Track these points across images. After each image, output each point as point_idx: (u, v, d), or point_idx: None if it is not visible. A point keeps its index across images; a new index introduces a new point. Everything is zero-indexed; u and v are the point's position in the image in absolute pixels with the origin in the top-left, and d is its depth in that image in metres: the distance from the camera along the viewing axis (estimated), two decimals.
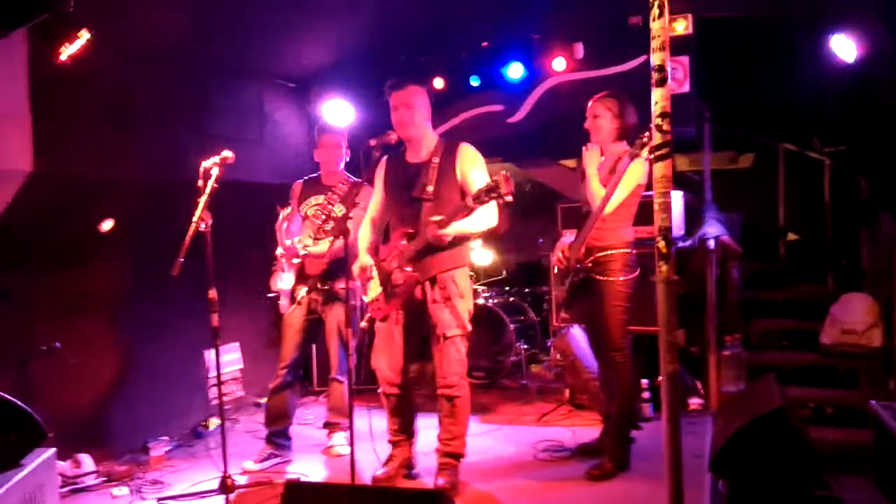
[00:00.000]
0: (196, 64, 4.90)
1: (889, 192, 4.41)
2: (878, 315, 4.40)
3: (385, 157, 3.76)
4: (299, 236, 4.20)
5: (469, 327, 3.62)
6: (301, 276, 4.22)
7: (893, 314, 4.30)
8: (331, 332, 4.24)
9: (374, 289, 3.67)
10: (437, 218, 3.35)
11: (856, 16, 4.26)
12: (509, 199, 3.15)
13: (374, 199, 3.84)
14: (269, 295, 4.43)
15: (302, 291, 4.20)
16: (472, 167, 3.57)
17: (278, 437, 4.23)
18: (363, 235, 3.80)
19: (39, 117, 3.76)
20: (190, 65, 4.85)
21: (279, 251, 4.22)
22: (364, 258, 3.70)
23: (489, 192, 3.14)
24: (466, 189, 3.53)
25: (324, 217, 4.22)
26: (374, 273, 3.66)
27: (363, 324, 3.87)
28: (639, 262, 3.78)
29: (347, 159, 4.40)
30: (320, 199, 4.30)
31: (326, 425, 4.43)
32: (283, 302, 4.25)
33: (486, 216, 3.44)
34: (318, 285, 4.20)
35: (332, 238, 4.02)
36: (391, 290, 3.57)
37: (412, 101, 3.55)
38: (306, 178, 4.43)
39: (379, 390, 3.76)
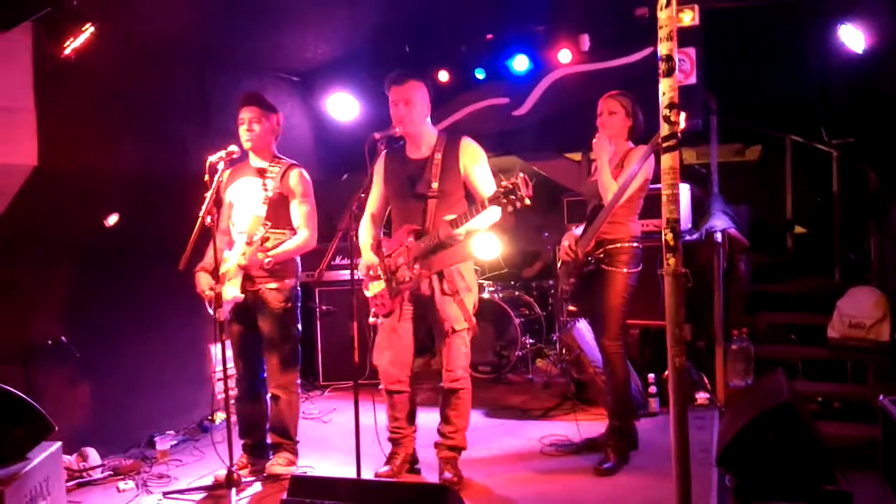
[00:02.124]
0: (200, 58, 4.90)
1: None
2: (886, 309, 4.37)
3: (384, 152, 3.72)
4: (244, 233, 3.64)
5: (474, 321, 3.62)
6: (246, 280, 3.67)
7: None
8: (268, 341, 3.77)
9: (376, 285, 3.63)
10: (450, 217, 3.38)
11: (863, 5, 4.22)
12: (528, 202, 3.12)
13: (373, 194, 3.75)
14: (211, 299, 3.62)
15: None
16: (476, 163, 3.57)
17: (254, 448, 3.93)
18: (364, 232, 3.73)
19: (44, 111, 3.76)
20: (194, 59, 4.85)
21: (226, 255, 3.69)
22: (368, 256, 3.66)
23: (507, 194, 3.12)
24: (470, 185, 3.55)
25: (264, 206, 3.64)
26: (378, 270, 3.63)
27: (372, 319, 3.66)
28: (644, 258, 3.78)
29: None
30: (251, 183, 3.75)
31: (271, 447, 3.88)
32: (226, 315, 3.53)
33: (494, 213, 3.42)
34: (250, 288, 3.68)
35: (275, 233, 3.61)
36: (396, 287, 3.53)
37: (411, 97, 3.51)
38: (231, 159, 3.57)
39: (380, 387, 3.71)
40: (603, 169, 3.66)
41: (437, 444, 3.70)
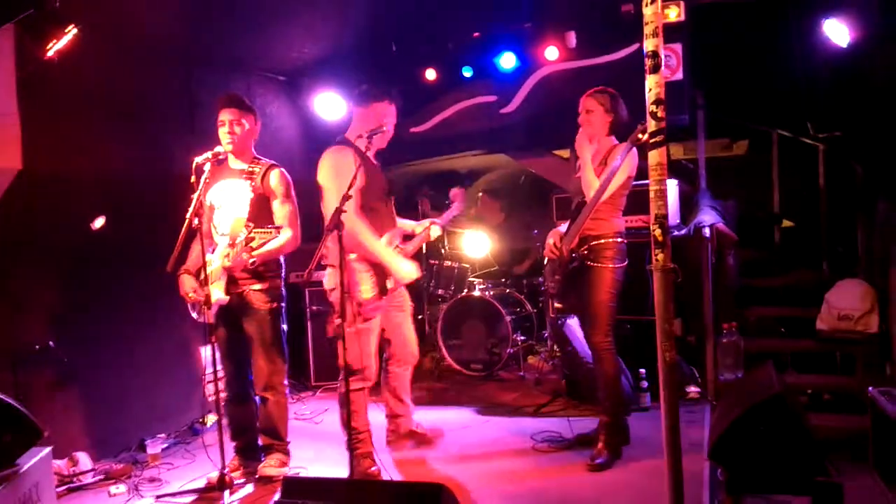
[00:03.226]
0: (184, 58, 4.87)
1: (884, 177, 4.41)
2: (873, 301, 4.40)
3: (353, 150, 3.65)
4: (223, 236, 3.64)
5: None
6: (229, 282, 3.65)
7: (889, 300, 4.30)
8: (254, 343, 3.73)
9: (371, 289, 3.62)
10: (439, 221, 3.85)
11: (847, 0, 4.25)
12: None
13: (355, 192, 3.49)
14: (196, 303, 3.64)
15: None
16: None
17: (245, 451, 3.91)
18: (372, 232, 3.60)
19: (28, 114, 3.73)
20: (178, 59, 4.82)
21: (209, 257, 3.56)
22: (405, 262, 3.75)
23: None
24: None
25: (247, 208, 3.64)
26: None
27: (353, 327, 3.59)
28: (631, 253, 3.80)
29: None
30: (231, 185, 3.71)
31: (263, 448, 3.86)
32: (211, 319, 3.48)
33: None
34: (234, 290, 3.66)
35: (264, 233, 3.40)
36: (386, 288, 3.68)
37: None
38: (217, 160, 3.52)
39: (359, 387, 3.60)
40: (586, 166, 3.69)
41: (416, 427, 3.93)
